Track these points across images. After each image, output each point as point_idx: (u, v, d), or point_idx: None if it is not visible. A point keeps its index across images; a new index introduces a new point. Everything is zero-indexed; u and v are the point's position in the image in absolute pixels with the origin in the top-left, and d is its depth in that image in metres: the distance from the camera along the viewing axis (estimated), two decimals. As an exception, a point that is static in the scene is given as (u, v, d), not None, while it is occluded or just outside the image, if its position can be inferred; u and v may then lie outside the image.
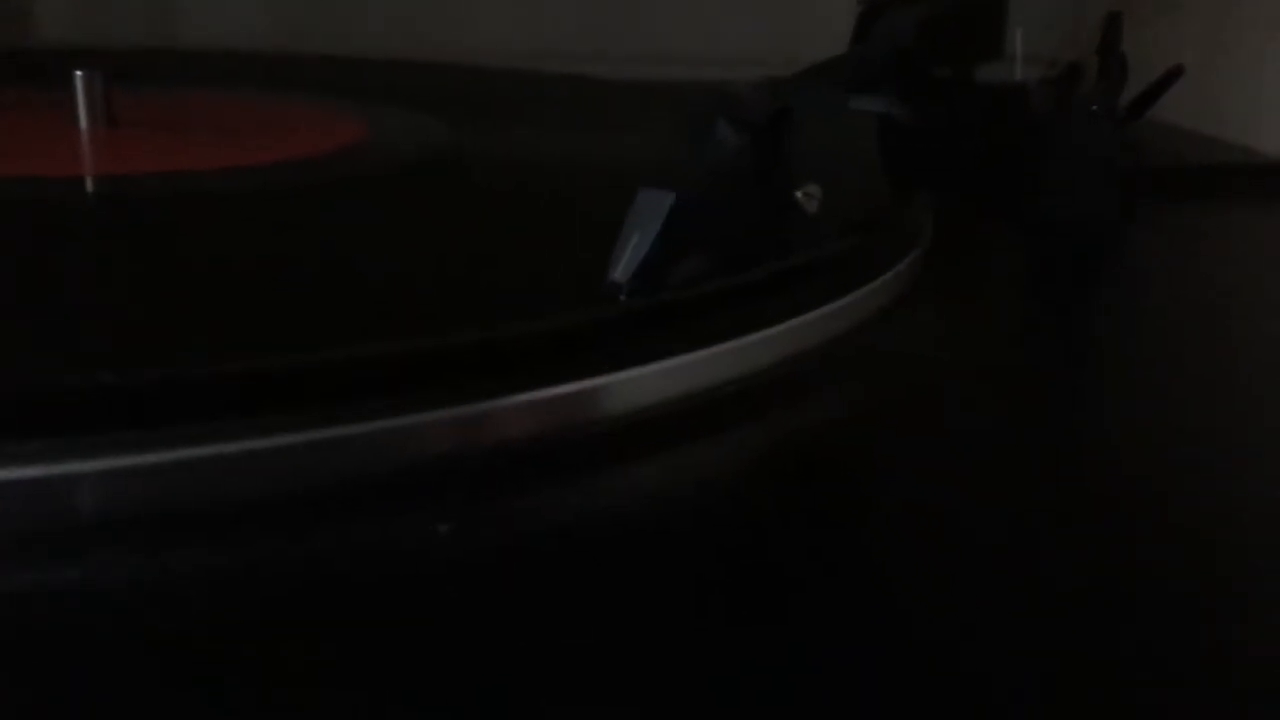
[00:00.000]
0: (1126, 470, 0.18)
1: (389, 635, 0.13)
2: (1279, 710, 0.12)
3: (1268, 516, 0.16)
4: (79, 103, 0.31)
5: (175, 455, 0.14)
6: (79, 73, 0.31)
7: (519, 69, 0.46)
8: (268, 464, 0.15)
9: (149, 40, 0.56)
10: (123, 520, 0.14)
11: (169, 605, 0.13)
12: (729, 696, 0.12)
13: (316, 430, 0.15)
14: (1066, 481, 0.17)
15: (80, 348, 0.17)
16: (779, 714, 0.12)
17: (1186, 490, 0.17)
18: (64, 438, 0.14)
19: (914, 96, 0.36)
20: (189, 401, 0.14)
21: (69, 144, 0.30)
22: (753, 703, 0.12)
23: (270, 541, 0.14)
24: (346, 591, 0.14)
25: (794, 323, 0.19)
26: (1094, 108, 0.34)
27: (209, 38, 0.57)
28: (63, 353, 0.17)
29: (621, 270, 0.18)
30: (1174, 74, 0.37)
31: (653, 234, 0.18)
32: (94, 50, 0.44)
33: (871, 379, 0.20)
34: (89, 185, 0.28)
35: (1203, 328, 0.25)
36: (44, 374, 0.15)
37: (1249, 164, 0.40)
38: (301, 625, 0.13)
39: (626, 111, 0.40)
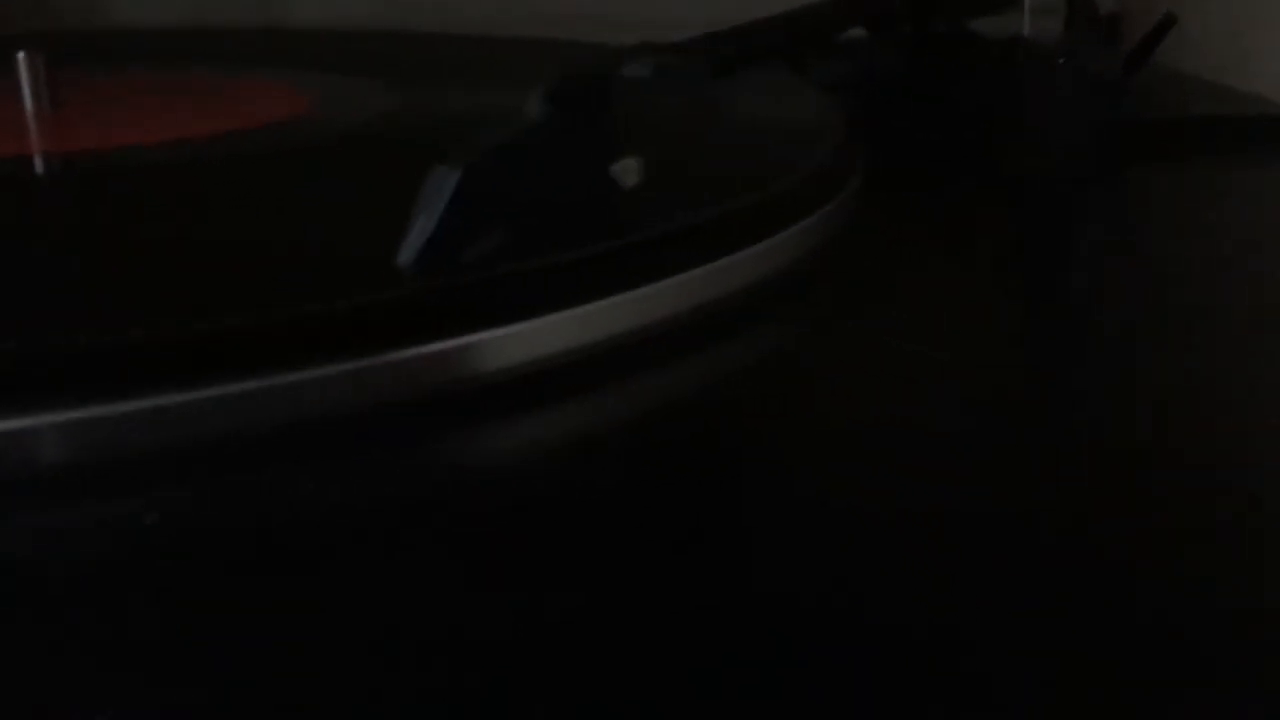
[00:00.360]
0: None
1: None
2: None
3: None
4: (23, 84, 0.31)
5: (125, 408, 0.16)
6: (21, 54, 0.31)
7: (507, 37, 0.46)
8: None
9: (258, 20, 0.57)
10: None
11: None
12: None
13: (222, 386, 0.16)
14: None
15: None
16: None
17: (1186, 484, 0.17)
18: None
19: (884, 49, 0.34)
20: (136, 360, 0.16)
21: (14, 124, 0.31)
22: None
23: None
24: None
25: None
26: (1061, 59, 0.32)
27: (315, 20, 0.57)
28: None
29: (405, 253, 0.18)
30: (1166, 23, 0.35)
31: (438, 213, 0.18)
32: (43, 31, 0.45)
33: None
34: (36, 164, 0.28)
35: (1185, 301, 0.23)
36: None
37: (1263, 116, 0.37)
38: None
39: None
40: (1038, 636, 0.13)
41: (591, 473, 0.17)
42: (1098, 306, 0.24)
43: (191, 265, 0.21)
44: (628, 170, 0.19)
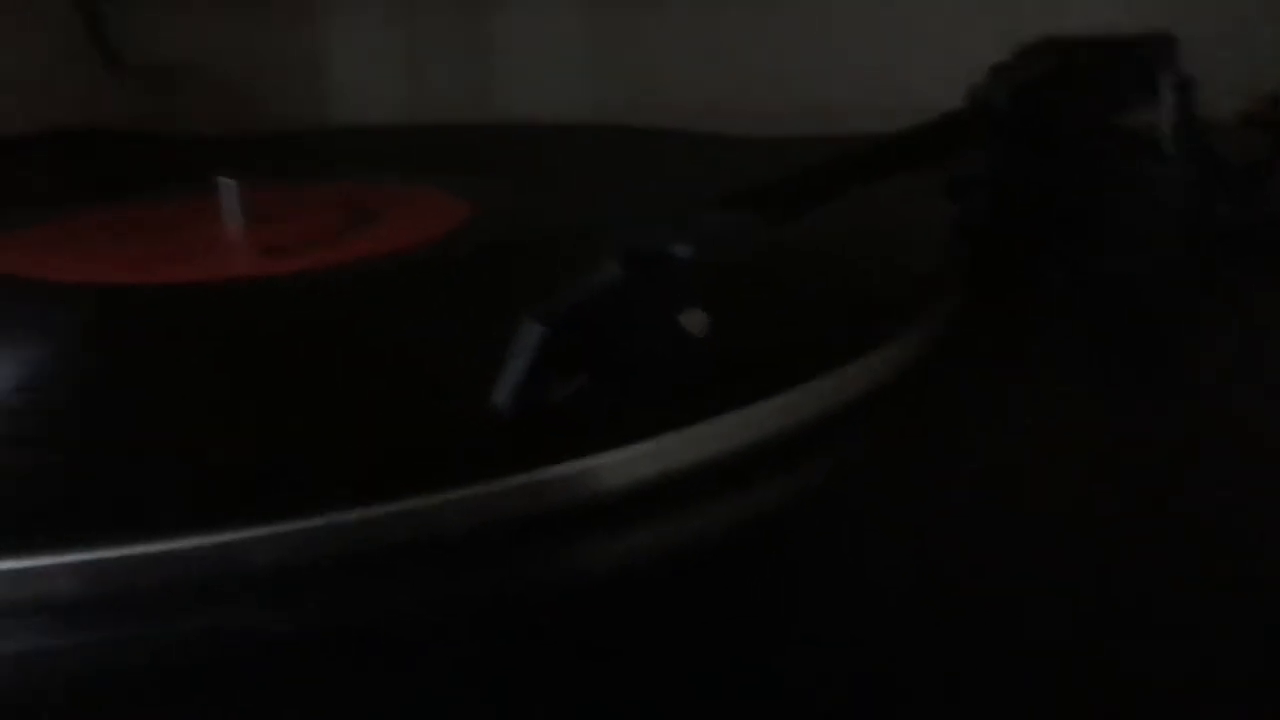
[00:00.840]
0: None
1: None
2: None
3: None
4: (224, 205, 0.36)
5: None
6: (223, 179, 0.36)
7: (708, 133, 0.48)
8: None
9: (476, 114, 0.62)
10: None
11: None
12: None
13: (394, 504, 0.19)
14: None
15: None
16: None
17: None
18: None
19: (1001, 157, 0.36)
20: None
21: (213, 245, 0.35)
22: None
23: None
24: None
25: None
26: (1179, 156, 0.32)
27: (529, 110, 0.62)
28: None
29: (499, 394, 0.21)
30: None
31: (527, 361, 0.21)
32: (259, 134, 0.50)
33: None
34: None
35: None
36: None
37: None
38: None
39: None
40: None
41: (691, 585, 0.19)
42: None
43: (339, 389, 0.24)
44: (694, 321, 0.21)
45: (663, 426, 0.21)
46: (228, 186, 0.36)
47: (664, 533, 0.21)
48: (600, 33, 0.62)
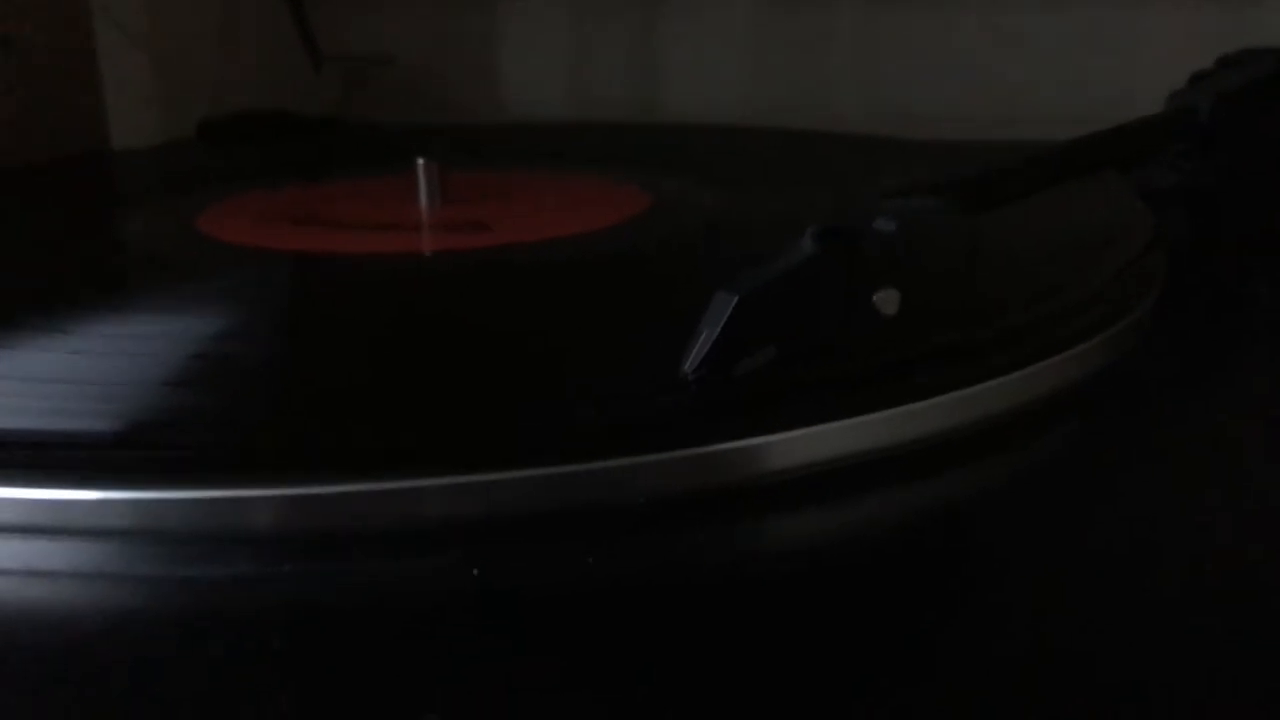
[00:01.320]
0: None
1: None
2: None
3: None
4: (420, 185, 0.37)
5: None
6: (420, 160, 0.37)
7: (863, 134, 0.48)
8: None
9: (638, 114, 0.63)
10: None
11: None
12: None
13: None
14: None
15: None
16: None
17: None
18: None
19: (1204, 166, 0.35)
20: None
21: (407, 220, 0.37)
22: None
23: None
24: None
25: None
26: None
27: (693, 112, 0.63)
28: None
29: (689, 363, 0.21)
30: None
31: (716, 332, 0.21)
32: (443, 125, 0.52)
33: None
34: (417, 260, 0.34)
35: None
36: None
37: None
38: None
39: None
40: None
41: (858, 572, 0.19)
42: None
43: (518, 358, 0.25)
44: (888, 300, 0.21)
45: (844, 411, 0.21)
46: (425, 166, 0.37)
47: (839, 518, 0.21)
48: (766, 35, 0.62)
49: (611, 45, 0.65)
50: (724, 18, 0.63)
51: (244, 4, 0.63)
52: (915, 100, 0.58)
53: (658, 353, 0.22)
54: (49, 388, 0.23)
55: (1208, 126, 0.34)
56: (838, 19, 0.61)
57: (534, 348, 0.25)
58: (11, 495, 0.20)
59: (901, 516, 0.21)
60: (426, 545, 0.19)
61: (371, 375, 0.24)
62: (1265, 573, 0.18)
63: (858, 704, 0.15)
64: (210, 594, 0.18)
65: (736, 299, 0.21)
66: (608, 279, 0.30)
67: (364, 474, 0.20)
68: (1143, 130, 0.32)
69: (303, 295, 0.30)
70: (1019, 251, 0.28)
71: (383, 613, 0.18)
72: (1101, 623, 0.17)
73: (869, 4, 0.60)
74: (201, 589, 0.19)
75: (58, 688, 0.16)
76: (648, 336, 0.25)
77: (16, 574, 0.19)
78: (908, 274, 0.22)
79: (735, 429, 0.21)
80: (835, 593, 0.18)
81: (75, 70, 0.54)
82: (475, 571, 0.19)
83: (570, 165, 0.45)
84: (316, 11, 0.63)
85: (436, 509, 0.20)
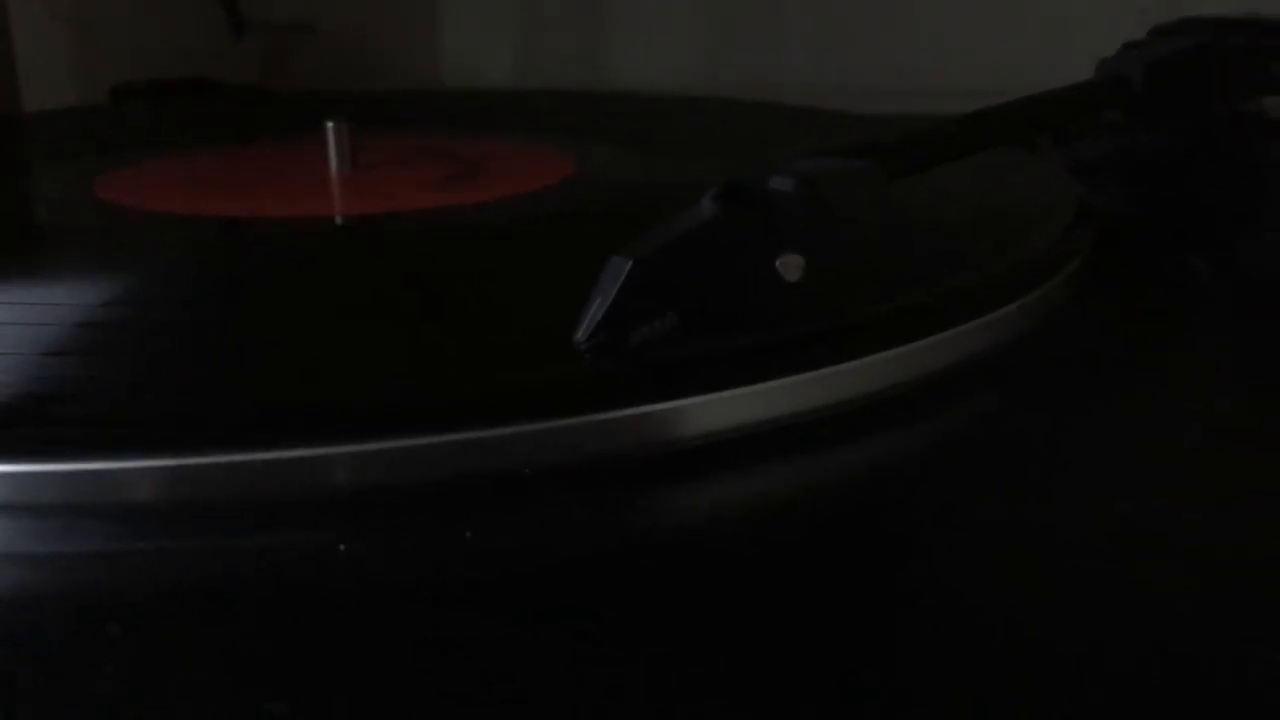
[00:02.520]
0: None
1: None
2: None
3: None
4: (330, 149, 0.36)
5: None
6: (329, 123, 0.36)
7: (802, 106, 0.47)
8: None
9: (578, 81, 0.62)
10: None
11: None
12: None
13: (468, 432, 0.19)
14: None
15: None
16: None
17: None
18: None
19: (1135, 131, 0.34)
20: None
21: (319, 186, 0.35)
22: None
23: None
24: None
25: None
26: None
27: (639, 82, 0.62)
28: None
29: (581, 331, 0.20)
30: None
31: (610, 298, 0.20)
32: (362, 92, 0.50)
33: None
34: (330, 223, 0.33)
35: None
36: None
37: None
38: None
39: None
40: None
41: (775, 534, 0.18)
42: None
43: (443, 322, 0.24)
44: (790, 266, 0.20)
45: (746, 377, 0.20)
46: (336, 130, 0.36)
47: (741, 487, 0.20)
48: (714, 5, 0.61)
49: (557, 12, 0.64)
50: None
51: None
52: (859, 72, 0.57)
53: (556, 321, 0.21)
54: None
55: (1139, 95, 0.33)
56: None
57: (428, 316, 0.24)
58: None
59: (800, 487, 0.20)
60: (304, 518, 0.18)
61: (260, 343, 0.23)
62: (1180, 536, 0.18)
63: (760, 677, 0.14)
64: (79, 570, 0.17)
65: (631, 262, 0.20)
66: (510, 247, 0.29)
67: (246, 443, 0.18)
68: (1073, 96, 0.31)
69: (199, 261, 0.29)
70: (937, 221, 0.27)
71: (248, 589, 0.17)
72: (1010, 588, 0.16)
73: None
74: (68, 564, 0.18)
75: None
76: (548, 305, 0.23)
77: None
78: (813, 238, 0.21)
79: (626, 397, 0.20)
80: (722, 565, 0.17)
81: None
82: (341, 547, 0.17)
83: (498, 133, 0.43)
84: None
85: (319, 479, 0.19)
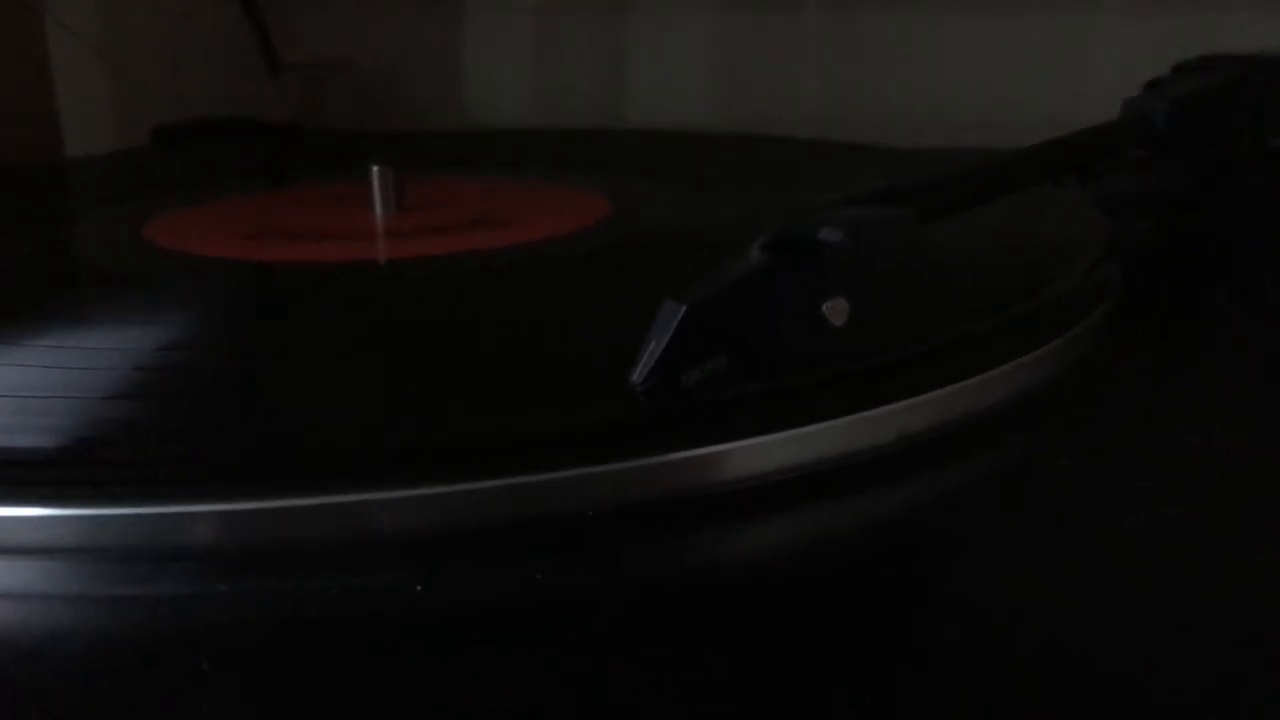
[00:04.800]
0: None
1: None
2: None
3: None
4: (374, 191, 0.37)
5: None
6: (375, 166, 0.37)
7: (812, 139, 0.48)
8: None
9: (599, 119, 0.63)
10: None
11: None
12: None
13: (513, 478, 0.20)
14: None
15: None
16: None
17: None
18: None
19: (1164, 170, 0.35)
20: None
21: (362, 228, 0.36)
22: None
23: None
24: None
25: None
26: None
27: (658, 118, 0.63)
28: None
29: (636, 374, 0.21)
30: None
31: (665, 341, 0.21)
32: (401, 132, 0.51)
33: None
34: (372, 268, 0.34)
35: None
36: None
37: None
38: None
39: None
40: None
41: (822, 573, 0.19)
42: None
43: (482, 366, 0.24)
44: (836, 310, 0.21)
45: (795, 420, 0.21)
46: (381, 173, 0.37)
47: (789, 528, 0.21)
48: (730, 41, 0.62)
49: (576, 50, 0.65)
50: (689, 23, 0.63)
51: (199, 10, 0.62)
52: (876, 107, 0.58)
53: (609, 362, 0.22)
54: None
55: (1162, 133, 0.34)
56: (802, 26, 0.61)
57: (484, 358, 0.25)
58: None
59: (853, 526, 0.21)
60: (373, 561, 0.19)
61: (318, 387, 0.24)
62: (1213, 569, 0.18)
63: (807, 713, 0.15)
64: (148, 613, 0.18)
65: (685, 308, 0.21)
66: (560, 286, 0.30)
67: (310, 488, 0.19)
68: (1098, 136, 0.32)
69: (252, 305, 0.30)
70: (970, 261, 0.28)
71: (326, 630, 0.18)
72: (1057, 621, 0.17)
73: (833, 11, 0.60)
74: (141, 608, 0.18)
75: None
76: (600, 345, 0.24)
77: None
78: (857, 284, 0.22)
79: (684, 440, 0.21)
80: (785, 602, 0.18)
81: (28, 78, 0.53)
82: (419, 588, 0.18)
83: (530, 171, 0.44)
84: (274, 18, 0.62)
85: (384, 524, 0.20)
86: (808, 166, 0.46)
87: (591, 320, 0.27)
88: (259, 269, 0.32)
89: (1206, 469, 0.22)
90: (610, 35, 0.64)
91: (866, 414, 0.22)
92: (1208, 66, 0.37)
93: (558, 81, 0.65)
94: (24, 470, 0.20)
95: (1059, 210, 0.34)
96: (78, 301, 0.31)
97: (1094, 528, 0.20)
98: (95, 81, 0.58)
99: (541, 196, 0.40)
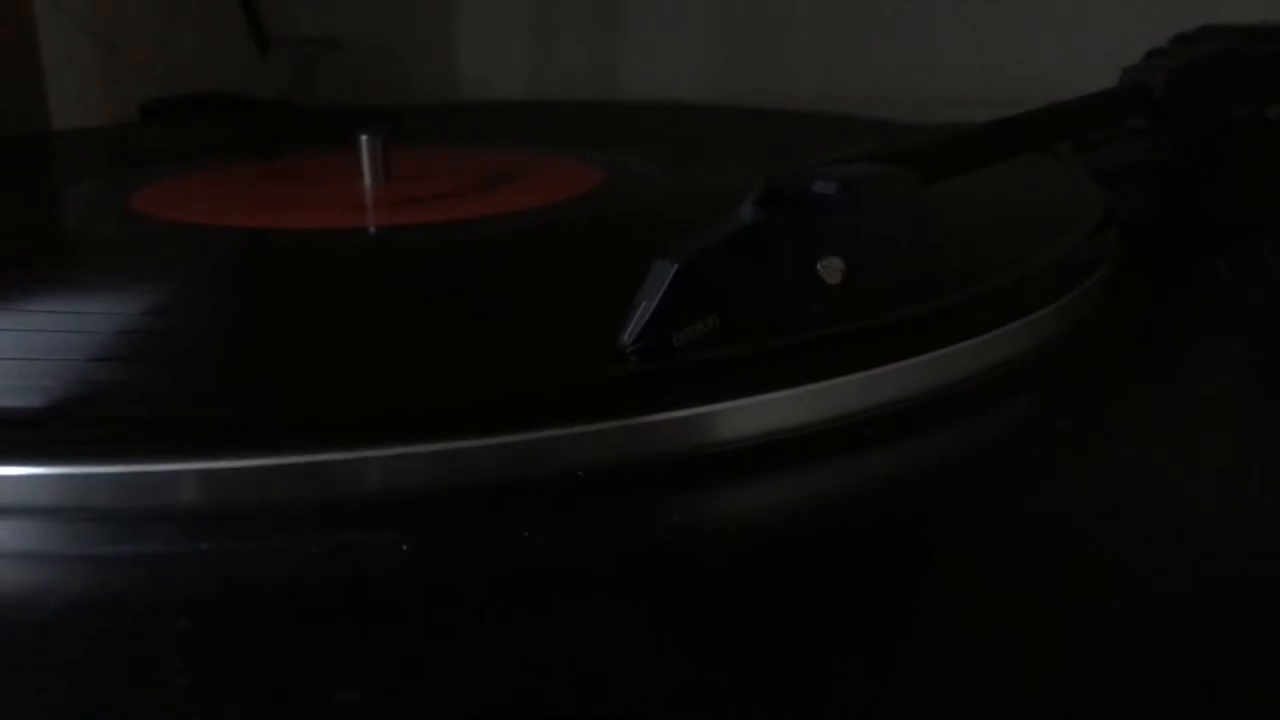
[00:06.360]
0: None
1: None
2: None
3: None
4: (363, 162, 0.36)
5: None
6: (363, 136, 0.36)
7: (811, 112, 0.48)
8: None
9: (594, 93, 0.63)
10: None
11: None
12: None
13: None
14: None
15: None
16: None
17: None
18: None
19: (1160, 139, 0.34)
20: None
21: (351, 198, 0.36)
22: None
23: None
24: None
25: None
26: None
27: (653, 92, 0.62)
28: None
29: (627, 333, 0.20)
30: None
31: (655, 301, 0.20)
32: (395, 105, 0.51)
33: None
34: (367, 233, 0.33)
35: None
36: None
37: None
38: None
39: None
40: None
41: (815, 536, 0.18)
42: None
43: (455, 331, 0.24)
44: (831, 269, 0.21)
45: (788, 380, 0.21)
46: (370, 142, 0.36)
47: (781, 489, 0.20)
48: (726, 14, 0.62)
49: (571, 24, 0.64)
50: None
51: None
52: (872, 80, 0.58)
53: (601, 326, 0.21)
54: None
55: (1161, 102, 0.33)
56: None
57: (472, 321, 0.24)
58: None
59: (847, 488, 0.20)
60: (358, 521, 0.19)
61: (304, 349, 0.23)
62: (1209, 531, 0.18)
63: (803, 679, 0.15)
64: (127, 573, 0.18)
65: (675, 267, 0.20)
66: (550, 252, 0.29)
67: (294, 447, 0.19)
68: (1095, 104, 0.32)
69: (237, 270, 0.29)
70: (967, 225, 0.28)
71: (309, 590, 0.17)
72: (1050, 582, 0.17)
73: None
74: (120, 568, 0.18)
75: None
76: (590, 309, 0.24)
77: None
78: (853, 241, 0.21)
79: (675, 400, 0.20)
80: (777, 564, 0.18)
81: (16, 52, 0.53)
82: (404, 547, 0.18)
83: (523, 144, 0.44)
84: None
85: (371, 483, 0.19)
86: (803, 139, 0.45)
87: (581, 285, 0.27)
88: (245, 235, 0.32)
89: (1204, 434, 0.22)
90: (605, 7, 0.63)
91: (860, 375, 0.21)
92: (1207, 37, 0.37)
93: (553, 56, 0.65)
94: (3, 430, 0.20)
95: (1056, 178, 0.33)
96: (62, 265, 0.31)
97: (1089, 490, 0.20)
98: (85, 57, 0.57)
99: (534, 167, 0.39)
